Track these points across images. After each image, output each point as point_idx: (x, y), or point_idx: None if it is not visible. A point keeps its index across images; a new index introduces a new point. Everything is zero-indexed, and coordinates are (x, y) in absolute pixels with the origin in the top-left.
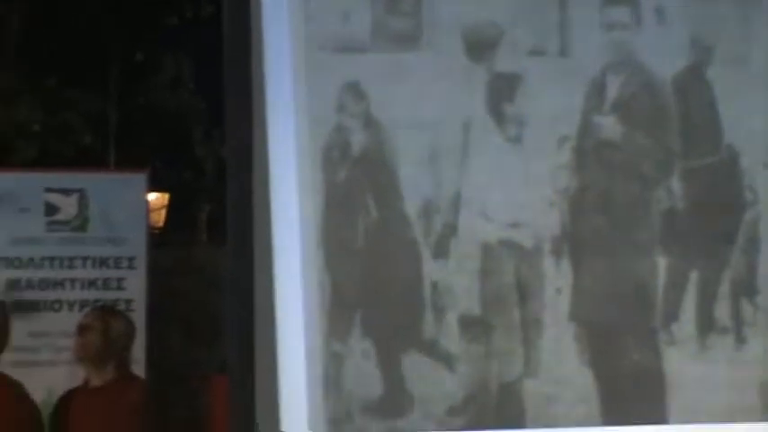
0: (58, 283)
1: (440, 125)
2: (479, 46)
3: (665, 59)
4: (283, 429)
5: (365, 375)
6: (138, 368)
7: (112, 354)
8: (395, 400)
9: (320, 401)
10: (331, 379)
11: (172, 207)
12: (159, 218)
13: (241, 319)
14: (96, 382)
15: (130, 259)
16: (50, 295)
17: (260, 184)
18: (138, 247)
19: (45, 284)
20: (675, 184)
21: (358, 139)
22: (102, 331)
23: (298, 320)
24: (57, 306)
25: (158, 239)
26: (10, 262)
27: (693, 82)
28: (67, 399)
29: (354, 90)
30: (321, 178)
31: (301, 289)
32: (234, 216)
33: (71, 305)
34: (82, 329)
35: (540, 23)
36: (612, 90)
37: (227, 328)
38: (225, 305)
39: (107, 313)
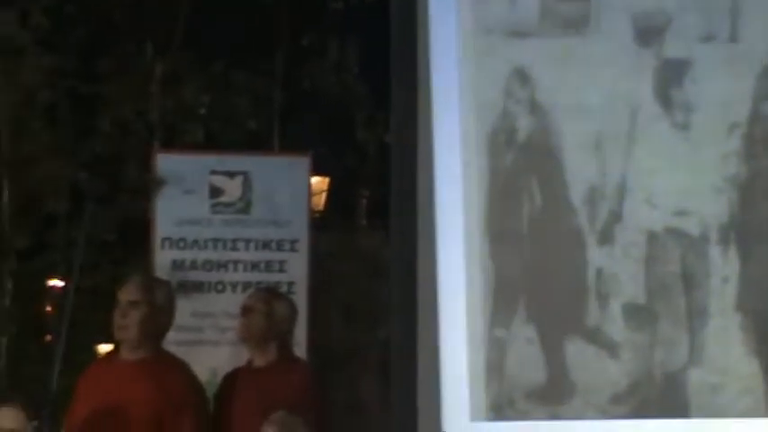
0: (222, 265)
1: (606, 111)
2: (648, 31)
3: None
4: (444, 412)
5: (528, 361)
6: (299, 351)
7: (275, 335)
8: (557, 386)
9: (482, 387)
10: (493, 365)
11: (332, 191)
12: (320, 201)
13: (404, 304)
14: (259, 362)
15: (293, 242)
16: (214, 276)
17: (424, 169)
18: (300, 230)
19: (209, 266)
20: None
21: (524, 125)
22: (266, 313)
23: (460, 306)
24: (220, 287)
25: (319, 223)
26: (175, 243)
27: None
28: (231, 378)
29: (521, 75)
30: (486, 164)
31: (464, 275)
32: (398, 201)
33: (234, 286)
34: (246, 311)
35: (709, 9)
36: None
37: (390, 312)
38: (388, 290)
39: (271, 295)
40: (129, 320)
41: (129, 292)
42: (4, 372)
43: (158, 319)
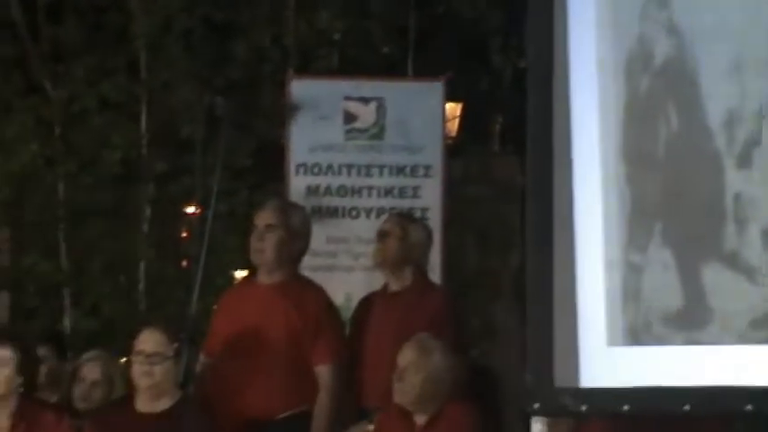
0: (356, 191)
1: (746, 33)
2: None
3: None
4: (580, 337)
5: (664, 286)
6: (433, 275)
7: (411, 260)
8: (695, 311)
9: (619, 311)
10: (630, 289)
11: (466, 117)
12: (453, 127)
13: (540, 228)
14: (395, 287)
15: (426, 168)
16: (348, 202)
17: (560, 94)
18: (433, 155)
19: (343, 191)
20: None
21: (661, 49)
22: (402, 238)
23: (597, 230)
24: (354, 213)
25: (452, 149)
26: (309, 168)
27: None
28: (367, 303)
29: None
30: (623, 88)
31: (600, 199)
32: (534, 126)
33: (368, 212)
34: (382, 235)
35: None
36: None
37: (526, 237)
38: (525, 215)
39: (406, 220)
40: (266, 244)
41: (265, 217)
42: (143, 296)
43: (294, 242)
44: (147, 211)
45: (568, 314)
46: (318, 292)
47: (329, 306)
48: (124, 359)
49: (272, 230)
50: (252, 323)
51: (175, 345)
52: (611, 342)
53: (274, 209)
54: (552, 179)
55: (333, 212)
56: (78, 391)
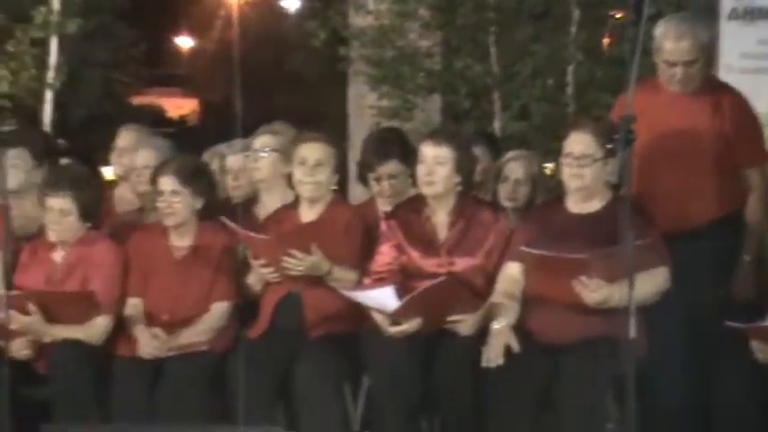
0: None
1: None
2: None
3: None
4: None
5: None
6: None
7: None
8: None
9: None
10: None
11: None
12: None
13: None
14: None
15: None
16: None
17: None
18: None
19: None
20: None
21: None
22: None
23: None
24: None
25: None
26: None
27: None
28: None
29: None
30: None
31: None
32: None
33: None
34: None
35: None
36: None
37: None
38: None
39: None
40: (688, 78)
41: (681, 52)
42: (572, 99)
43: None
44: (576, 14)
45: None
46: (738, 95)
47: (750, 108)
48: (551, 164)
49: (691, 65)
50: (676, 128)
51: (607, 146)
52: None
53: (691, 43)
54: None
55: (765, 14)
56: (503, 189)
